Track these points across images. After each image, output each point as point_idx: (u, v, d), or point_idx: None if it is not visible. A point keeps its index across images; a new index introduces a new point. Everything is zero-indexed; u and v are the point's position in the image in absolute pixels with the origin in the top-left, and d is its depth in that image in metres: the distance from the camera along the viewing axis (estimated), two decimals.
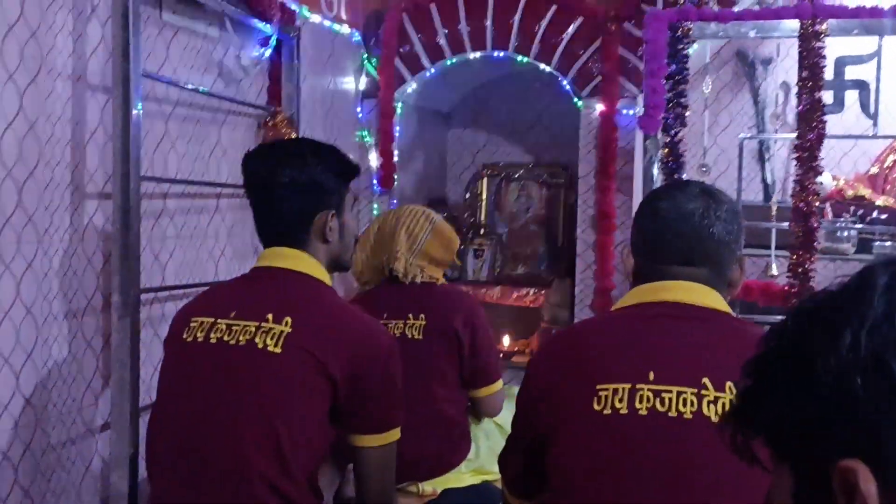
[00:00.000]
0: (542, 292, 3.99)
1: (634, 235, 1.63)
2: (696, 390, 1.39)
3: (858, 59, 3.41)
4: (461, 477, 2.55)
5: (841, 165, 3.97)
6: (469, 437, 2.60)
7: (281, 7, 3.00)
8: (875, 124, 3.12)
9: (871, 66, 3.17)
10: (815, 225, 2.94)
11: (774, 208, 3.47)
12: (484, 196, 4.47)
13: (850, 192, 3.75)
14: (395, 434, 1.84)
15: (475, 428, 2.66)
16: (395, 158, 3.86)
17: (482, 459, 2.60)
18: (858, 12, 2.95)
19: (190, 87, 2.62)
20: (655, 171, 3.11)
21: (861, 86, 3.34)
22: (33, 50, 2.03)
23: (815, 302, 0.66)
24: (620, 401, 1.42)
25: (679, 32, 3.04)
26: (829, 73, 3.13)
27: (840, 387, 0.59)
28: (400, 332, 2.45)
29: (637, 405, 1.41)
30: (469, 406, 2.64)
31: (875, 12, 2.95)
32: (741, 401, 0.69)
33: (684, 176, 3.19)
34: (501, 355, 3.47)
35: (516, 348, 4.00)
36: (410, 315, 2.48)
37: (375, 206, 3.87)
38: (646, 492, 1.37)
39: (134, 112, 2.20)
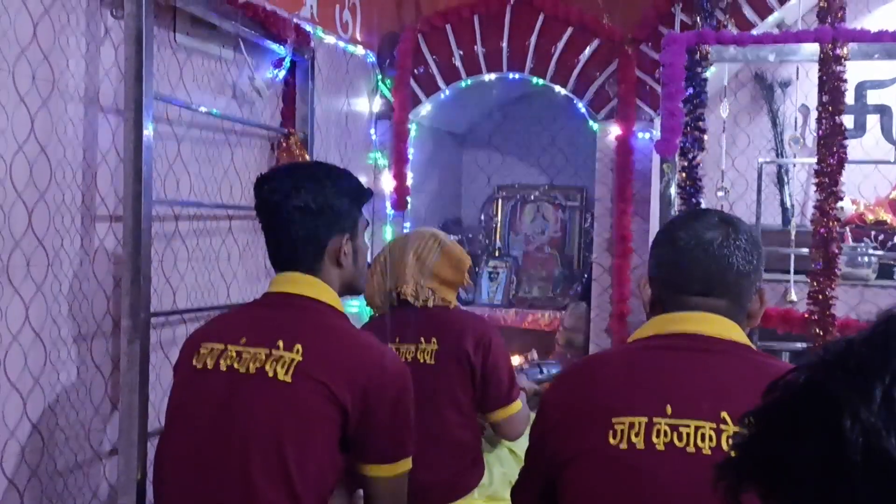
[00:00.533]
0: (558, 316, 3.96)
1: (652, 265, 1.60)
2: (714, 425, 1.36)
3: (880, 84, 3.38)
4: (473, 503, 2.52)
5: (861, 190, 3.93)
6: (482, 463, 2.57)
7: (295, 29, 3.00)
8: None
9: (893, 91, 3.13)
10: (836, 251, 2.89)
11: (793, 233, 3.43)
12: (499, 218, 4.45)
13: (870, 217, 3.71)
14: (406, 464, 1.81)
15: (488, 454, 2.64)
16: (409, 181, 3.84)
17: (496, 486, 2.57)
18: (880, 36, 2.92)
19: (203, 109, 2.61)
20: (673, 194, 3.08)
21: (882, 110, 3.30)
22: (45, 72, 2.02)
23: (837, 354, 0.59)
24: (637, 435, 1.38)
25: (697, 56, 3.02)
26: (849, 98, 3.09)
27: (872, 451, 0.53)
28: (412, 357, 2.43)
29: (654, 440, 1.37)
30: (484, 431, 2.61)
31: None
32: (742, 451, 0.63)
33: (702, 199, 3.16)
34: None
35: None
36: (423, 339, 2.46)
37: (389, 228, 3.85)
38: None
39: (146, 134, 2.19)
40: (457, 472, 2.49)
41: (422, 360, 2.44)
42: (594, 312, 3.66)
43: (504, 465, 2.64)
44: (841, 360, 0.57)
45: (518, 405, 2.57)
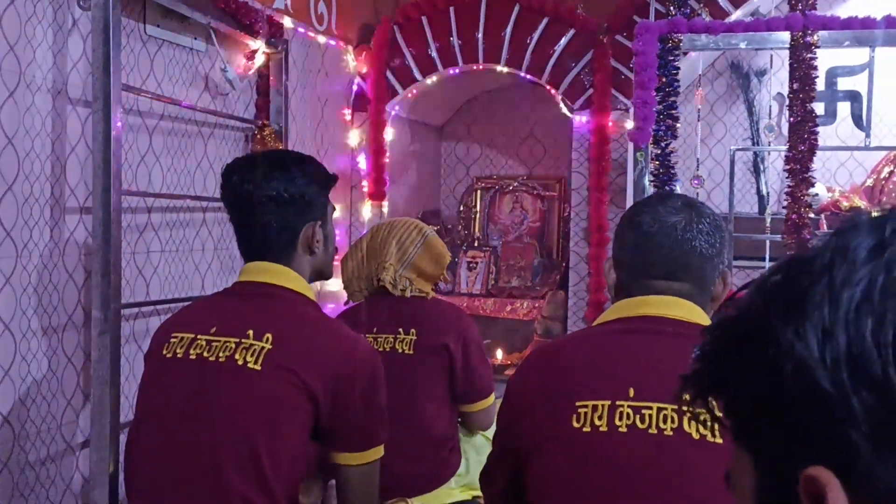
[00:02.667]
0: (536, 305, 3.96)
1: (616, 249, 1.60)
2: (676, 406, 1.36)
3: (850, 71, 3.39)
4: (451, 492, 2.52)
5: (837, 177, 3.96)
6: (459, 453, 2.57)
7: (268, 20, 2.99)
8: (868, 135, 3.10)
9: (863, 77, 3.15)
10: (808, 237, 2.91)
11: (768, 220, 3.45)
12: (478, 208, 4.45)
13: (845, 204, 3.73)
14: (378, 452, 1.80)
15: (465, 443, 2.63)
16: (387, 172, 3.83)
17: (472, 475, 2.56)
18: (850, 23, 2.93)
19: (183, 103, 2.60)
20: (647, 182, 3.08)
21: (853, 97, 3.31)
22: (12, 64, 2.01)
23: (785, 273, 0.56)
24: (600, 418, 1.39)
25: (669, 44, 3.02)
26: (820, 85, 3.11)
27: (806, 384, 0.51)
28: (390, 347, 2.42)
29: (617, 422, 1.38)
30: (460, 420, 2.61)
31: (866, 23, 2.93)
32: (699, 364, 0.60)
33: (677, 187, 3.17)
34: (494, 369, 3.44)
35: (509, 361, 3.97)
36: (401, 330, 2.45)
37: (368, 205, 3.85)
38: None
39: (115, 126, 2.18)
40: (435, 463, 2.49)
41: (400, 351, 2.43)
42: (572, 301, 3.67)
43: (480, 453, 2.64)
44: (788, 280, 0.56)
45: (493, 397, 2.57)
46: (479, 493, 2.51)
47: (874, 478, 0.49)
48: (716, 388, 0.60)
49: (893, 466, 0.49)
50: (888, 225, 0.53)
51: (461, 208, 4.51)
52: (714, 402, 0.62)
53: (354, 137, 3.87)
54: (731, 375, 0.58)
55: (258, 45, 2.96)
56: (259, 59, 3.00)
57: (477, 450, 2.65)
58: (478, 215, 4.44)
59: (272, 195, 1.78)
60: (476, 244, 4.35)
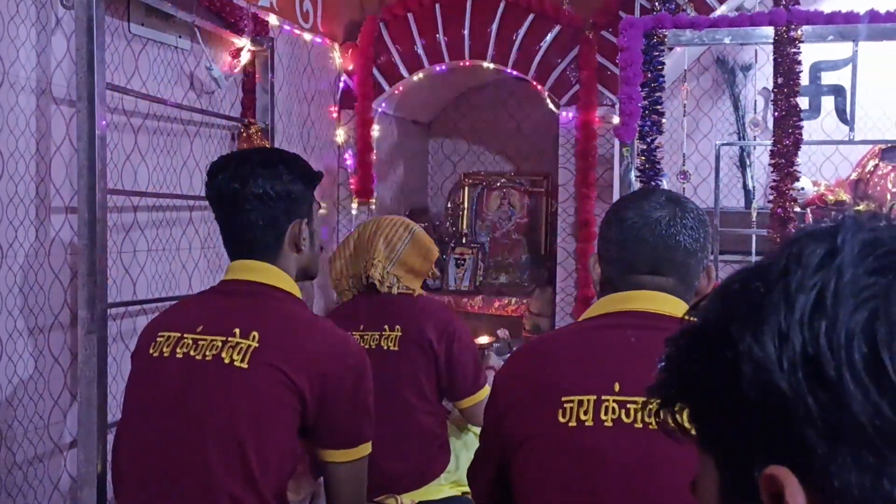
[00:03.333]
0: (524, 301, 3.97)
1: (601, 244, 1.61)
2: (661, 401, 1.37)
3: (834, 65, 3.42)
4: (440, 489, 2.53)
5: (822, 171, 3.98)
6: (448, 449, 2.58)
7: (254, 18, 2.98)
8: (851, 129, 3.12)
9: (847, 72, 3.17)
10: (794, 231, 2.92)
11: (754, 214, 3.47)
12: (465, 205, 4.46)
13: (830, 198, 3.75)
14: (365, 448, 1.81)
15: (455, 440, 2.64)
16: (374, 169, 3.84)
17: (462, 471, 2.57)
18: (833, 18, 2.94)
19: (169, 102, 2.60)
20: (633, 178, 3.10)
21: (837, 91, 3.33)
22: None
23: (743, 280, 0.58)
24: (586, 413, 1.39)
25: (654, 40, 3.03)
26: (805, 79, 3.12)
27: (764, 386, 0.53)
28: (376, 344, 2.43)
29: (602, 417, 1.39)
30: (449, 414, 2.62)
31: (850, 18, 2.94)
32: (664, 373, 0.63)
33: (663, 182, 3.18)
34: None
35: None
36: (386, 326, 2.45)
37: (355, 204, 3.85)
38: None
39: (100, 125, 2.17)
40: (423, 460, 2.49)
41: (385, 347, 2.43)
42: (559, 297, 3.68)
43: (470, 450, 2.64)
44: (745, 286, 0.58)
45: (486, 391, 2.57)
46: (468, 489, 2.52)
47: (830, 475, 0.51)
48: (681, 395, 0.63)
49: (847, 464, 0.51)
50: (840, 234, 0.56)
51: (449, 205, 4.51)
52: (679, 411, 0.64)
53: (341, 135, 3.87)
54: (694, 381, 0.60)
55: (243, 42, 2.95)
56: (244, 57, 2.99)
57: (467, 446, 2.65)
58: (465, 212, 4.45)
59: (258, 193, 1.78)
60: (464, 241, 4.36)
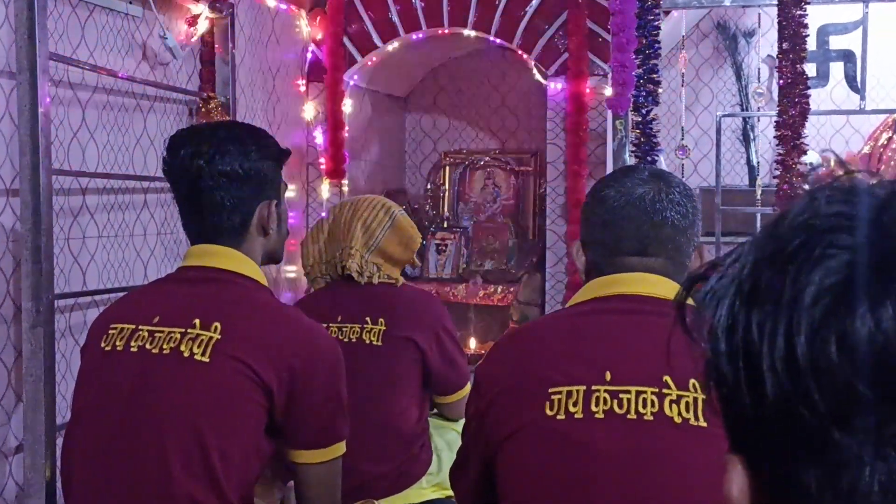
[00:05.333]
0: (512, 289, 3.98)
1: (583, 229, 1.62)
2: (656, 389, 1.39)
3: (843, 28, 3.43)
4: (422, 492, 2.53)
5: (832, 144, 4.00)
6: (430, 450, 2.59)
7: None
8: (863, 98, 3.14)
9: (857, 36, 3.18)
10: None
11: (759, 192, 3.49)
12: (446, 186, 4.47)
13: (839, 173, 3.77)
14: (339, 448, 1.81)
15: (437, 439, 2.65)
16: (346, 148, 3.83)
17: (444, 473, 2.57)
18: None
19: (120, 74, 2.58)
20: (627, 154, 3.11)
21: (847, 56, 3.35)
22: None
23: (746, 276, 0.58)
24: (575, 404, 1.40)
25: (649, 2, 3.04)
26: (811, 44, 3.14)
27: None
28: (357, 337, 2.42)
29: (593, 408, 1.40)
30: (434, 412, 2.63)
31: None
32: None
33: (661, 158, 3.20)
34: (468, 360, 3.46)
35: (483, 351, 3.99)
36: (369, 319, 2.45)
37: (326, 186, 3.85)
38: (606, 502, 1.36)
39: (44, 99, 2.16)
40: (404, 462, 2.50)
41: (367, 342, 2.43)
42: (549, 284, 3.70)
43: (453, 449, 2.64)
44: (747, 282, 0.58)
45: (469, 387, 2.59)
46: (451, 492, 2.53)
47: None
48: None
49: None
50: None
51: (428, 186, 4.52)
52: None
53: (310, 110, 3.87)
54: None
55: (200, 9, 2.94)
56: (202, 25, 2.98)
57: (450, 446, 2.66)
58: (446, 193, 4.45)
59: (226, 171, 1.77)
60: (445, 225, 4.37)
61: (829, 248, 0.53)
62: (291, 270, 3.56)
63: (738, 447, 0.60)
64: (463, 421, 2.60)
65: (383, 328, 2.43)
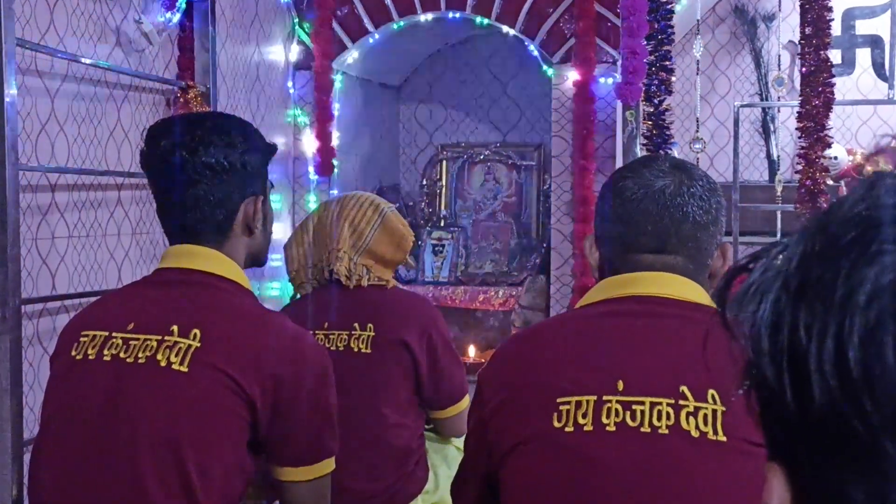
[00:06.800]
0: (514, 293, 3.98)
1: (597, 223, 1.61)
2: (672, 400, 1.38)
3: (870, 12, 3.43)
4: None
5: (858, 137, 4.00)
6: (426, 466, 2.58)
7: None
8: (891, 87, 3.14)
9: (885, 20, 3.19)
10: (825, 206, 2.94)
11: (780, 188, 3.49)
12: (443, 182, 4.47)
13: (868, 169, 3.77)
14: (328, 465, 1.81)
15: (434, 454, 2.64)
16: (336, 141, 3.84)
17: (442, 491, 2.57)
18: None
19: (85, 61, 2.58)
20: (638, 147, 3.11)
21: (874, 42, 3.35)
22: None
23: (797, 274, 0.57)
24: (584, 416, 1.40)
25: None
26: (836, 29, 3.14)
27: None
28: (344, 345, 2.42)
29: (604, 420, 1.39)
30: (429, 428, 2.62)
31: None
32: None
33: (675, 151, 3.20)
34: (466, 368, 3.45)
35: (483, 360, 3.98)
36: (357, 325, 2.45)
37: (312, 197, 3.85)
38: None
39: (8, 90, 2.16)
40: (398, 479, 2.49)
41: (356, 349, 2.43)
42: (554, 287, 3.69)
43: (451, 465, 2.65)
44: (794, 277, 0.57)
45: (467, 400, 2.58)
46: None
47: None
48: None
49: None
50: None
51: (424, 182, 4.52)
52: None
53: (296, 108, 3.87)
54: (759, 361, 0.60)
55: None
56: (180, 9, 2.98)
57: (448, 462, 2.66)
58: (443, 190, 4.45)
59: (210, 163, 1.76)
60: (442, 224, 4.37)
61: (888, 242, 0.51)
62: (275, 287, 3.56)
63: (778, 456, 0.59)
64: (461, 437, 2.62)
65: (372, 334, 2.43)
